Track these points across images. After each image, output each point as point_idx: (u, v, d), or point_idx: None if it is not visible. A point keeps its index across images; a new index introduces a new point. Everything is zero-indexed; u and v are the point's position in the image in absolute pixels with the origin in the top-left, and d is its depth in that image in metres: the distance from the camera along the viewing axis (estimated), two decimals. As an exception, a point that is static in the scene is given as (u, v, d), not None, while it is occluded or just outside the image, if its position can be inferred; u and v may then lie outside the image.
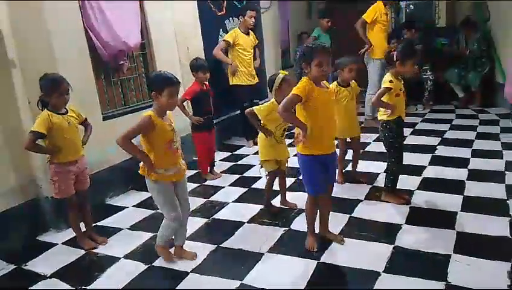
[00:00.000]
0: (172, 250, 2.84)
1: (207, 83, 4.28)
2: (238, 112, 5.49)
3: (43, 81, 2.86)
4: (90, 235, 3.15)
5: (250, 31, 5.36)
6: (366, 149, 4.85)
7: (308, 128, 2.50)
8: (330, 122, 2.65)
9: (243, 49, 5.23)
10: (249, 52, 5.32)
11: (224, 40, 5.20)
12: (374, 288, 2.33)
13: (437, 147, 4.72)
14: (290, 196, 3.62)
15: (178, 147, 2.60)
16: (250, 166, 4.60)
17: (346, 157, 3.98)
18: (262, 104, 3.33)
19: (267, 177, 3.38)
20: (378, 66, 5.74)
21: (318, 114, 2.53)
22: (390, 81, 3.14)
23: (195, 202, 3.73)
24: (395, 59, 3.12)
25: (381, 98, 3.15)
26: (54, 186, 2.96)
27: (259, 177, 4.03)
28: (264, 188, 3.50)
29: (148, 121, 2.44)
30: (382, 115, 3.26)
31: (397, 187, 3.41)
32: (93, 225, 3.43)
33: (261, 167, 3.37)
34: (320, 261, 2.65)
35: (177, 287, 2.52)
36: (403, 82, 3.24)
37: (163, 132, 2.50)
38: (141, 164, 2.55)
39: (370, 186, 3.75)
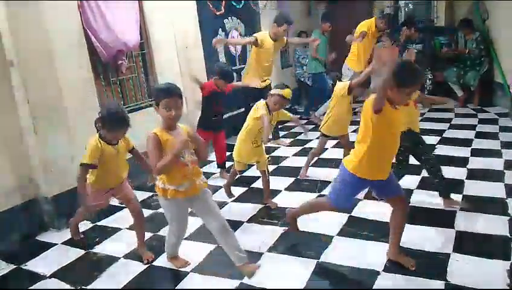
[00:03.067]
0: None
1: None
2: (242, 110, 5.49)
3: (106, 115, 2.64)
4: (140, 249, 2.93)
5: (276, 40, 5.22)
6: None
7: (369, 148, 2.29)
8: (393, 148, 2.40)
9: (265, 53, 5.12)
10: (269, 57, 5.20)
11: (253, 36, 5.08)
12: (374, 288, 2.34)
13: (436, 146, 4.73)
14: (288, 195, 3.66)
15: (189, 161, 2.38)
16: (249, 165, 4.59)
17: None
18: None
19: (235, 169, 3.63)
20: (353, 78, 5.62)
21: (383, 134, 2.27)
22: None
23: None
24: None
25: None
26: (85, 201, 2.85)
27: (259, 177, 4.03)
28: (261, 187, 3.60)
29: (155, 140, 2.29)
30: None
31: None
32: (93, 224, 3.45)
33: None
34: (320, 260, 2.65)
35: (177, 287, 2.52)
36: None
37: (170, 147, 2.30)
38: (156, 182, 2.45)
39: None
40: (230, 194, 3.75)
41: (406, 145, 3.13)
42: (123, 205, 3.80)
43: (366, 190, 3.60)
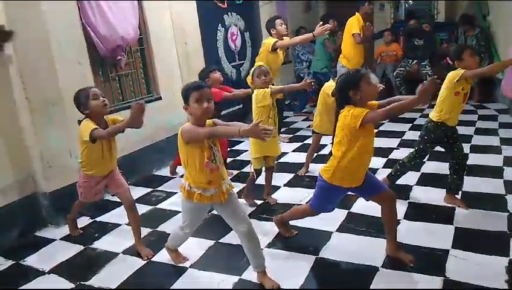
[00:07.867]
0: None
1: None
2: (240, 106, 5.48)
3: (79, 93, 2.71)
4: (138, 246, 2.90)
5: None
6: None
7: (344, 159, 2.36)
8: (369, 156, 2.46)
9: (274, 57, 4.90)
10: (278, 62, 4.97)
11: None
12: (372, 284, 2.34)
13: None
14: (288, 192, 3.67)
15: (219, 165, 2.29)
16: (248, 161, 4.57)
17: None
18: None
19: (253, 173, 3.40)
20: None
21: (363, 144, 2.33)
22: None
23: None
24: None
25: None
26: (78, 191, 2.97)
27: (258, 173, 4.03)
28: (260, 183, 3.54)
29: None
30: (432, 113, 3.14)
31: (397, 183, 3.41)
32: (92, 220, 3.44)
33: (251, 163, 3.42)
34: (319, 256, 2.65)
35: (176, 283, 2.52)
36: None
37: (200, 147, 2.21)
38: (182, 182, 2.37)
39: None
40: (252, 203, 3.51)
41: (432, 135, 3.12)
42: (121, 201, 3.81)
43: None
